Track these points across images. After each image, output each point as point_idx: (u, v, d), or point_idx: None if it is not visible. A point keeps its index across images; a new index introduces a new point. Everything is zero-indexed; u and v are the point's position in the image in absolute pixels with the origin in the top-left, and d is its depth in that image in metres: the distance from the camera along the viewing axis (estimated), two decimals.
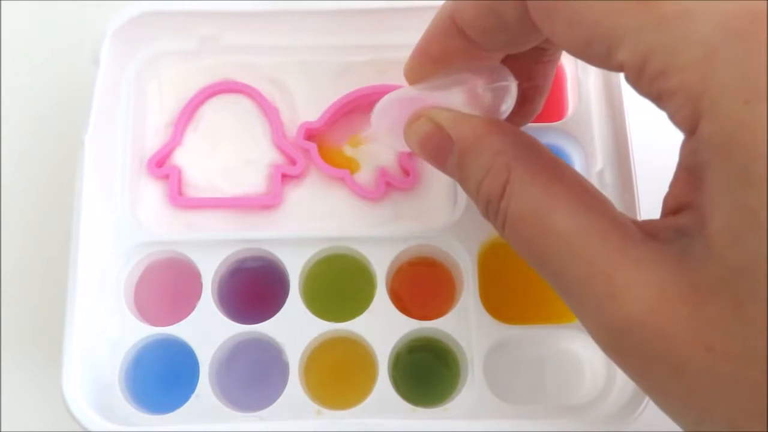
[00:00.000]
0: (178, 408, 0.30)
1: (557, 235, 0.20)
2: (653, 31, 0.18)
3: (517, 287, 0.32)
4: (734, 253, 0.17)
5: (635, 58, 0.18)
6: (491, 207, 0.22)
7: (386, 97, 0.27)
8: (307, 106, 0.34)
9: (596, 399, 0.30)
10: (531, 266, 0.22)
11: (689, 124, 0.18)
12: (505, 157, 0.22)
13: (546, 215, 0.20)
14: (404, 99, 0.26)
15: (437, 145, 0.24)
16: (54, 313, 0.30)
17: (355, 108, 0.34)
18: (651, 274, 0.18)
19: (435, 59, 0.26)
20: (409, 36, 0.34)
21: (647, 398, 0.29)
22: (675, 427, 0.34)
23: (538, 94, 0.28)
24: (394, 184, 0.32)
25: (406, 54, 0.34)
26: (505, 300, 0.32)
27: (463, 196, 0.32)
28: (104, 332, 0.30)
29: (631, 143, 0.31)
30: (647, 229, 0.20)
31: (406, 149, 0.26)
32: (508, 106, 0.25)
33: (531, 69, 0.27)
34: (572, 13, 0.19)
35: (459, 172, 0.24)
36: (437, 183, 0.33)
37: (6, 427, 0.34)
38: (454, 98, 0.25)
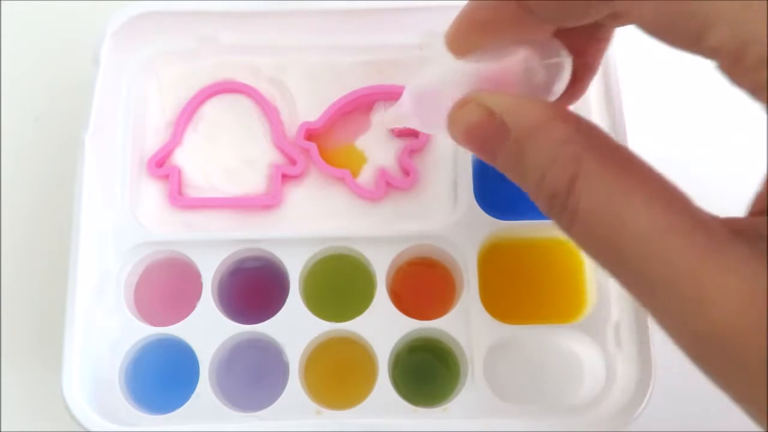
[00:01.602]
0: (178, 408, 0.30)
1: (637, 234, 0.18)
2: (757, 15, 0.16)
3: (517, 287, 0.32)
4: None
5: (733, 44, 0.16)
6: (557, 202, 0.20)
7: (425, 73, 0.24)
8: (307, 106, 0.34)
9: (596, 399, 0.30)
10: (602, 266, 0.20)
11: None
12: (573, 147, 0.19)
13: (623, 211, 0.18)
14: (447, 74, 0.23)
15: (488, 134, 0.21)
16: (54, 313, 0.30)
17: (355, 108, 0.34)
18: (741, 278, 0.17)
19: (482, 28, 0.23)
20: (409, 36, 0.34)
21: (647, 398, 0.29)
22: (675, 427, 0.34)
23: (587, 74, 0.25)
24: (394, 184, 0.32)
25: (405, 54, 0.34)
26: (505, 300, 0.32)
27: (463, 196, 0.32)
28: (104, 332, 0.30)
29: (630, 143, 0.31)
30: (733, 228, 0.18)
31: (443, 133, 0.24)
32: (561, 85, 0.22)
33: (582, 46, 0.24)
34: None
35: (515, 165, 0.21)
36: (437, 183, 0.33)
37: (6, 427, 0.34)
38: (503, 73, 0.22)
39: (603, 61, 0.32)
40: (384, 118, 0.27)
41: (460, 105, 0.22)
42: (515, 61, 0.22)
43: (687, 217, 0.18)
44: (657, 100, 0.36)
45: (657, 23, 0.18)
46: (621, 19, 0.20)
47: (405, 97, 0.25)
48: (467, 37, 0.24)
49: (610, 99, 0.32)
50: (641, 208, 0.18)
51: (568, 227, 0.20)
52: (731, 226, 0.19)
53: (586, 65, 0.25)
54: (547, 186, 0.20)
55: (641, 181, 0.19)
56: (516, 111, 0.21)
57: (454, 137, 0.23)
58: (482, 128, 0.22)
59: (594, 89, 0.33)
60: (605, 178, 0.19)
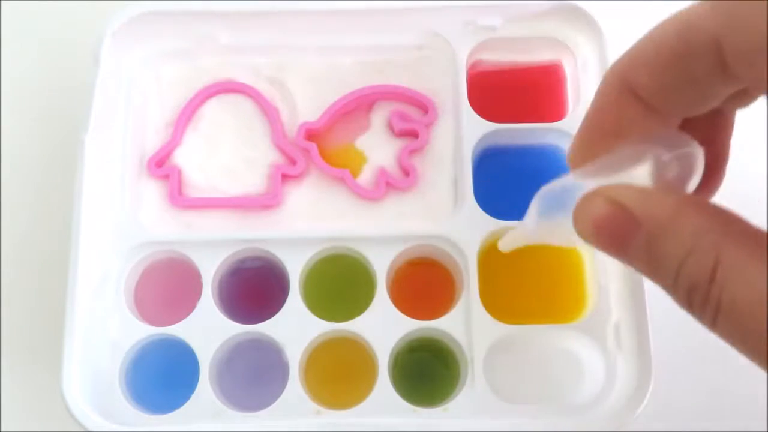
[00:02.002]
0: (178, 408, 0.30)
1: None
2: None
3: (517, 287, 0.32)
4: None
5: None
6: (698, 294, 0.19)
7: (548, 188, 0.23)
8: (307, 106, 0.34)
9: (596, 399, 0.30)
10: (752, 359, 0.18)
11: None
12: (711, 236, 0.18)
13: None
14: (571, 188, 0.22)
15: (618, 228, 0.20)
16: (54, 313, 0.30)
17: (355, 108, 0.34)
18: None
19: (608, 133, 0.22)
20: (410, 36, 0.34)
21: (647, 398, 0.29)
22: (674, 427, 0.34)
23: (719, 164, 0.24)
24: (394, 184, 0.32)
25: (406, 54, 0.34)
26: (505, 300, 0.32)
27: (463, 196, 0.32)
28: (104, 332, 0.30)
29: None
30: None
31: (573, 243, 0.23)
32: (696, 177, 0.21)
33: (709, 136, 0.23)
34: None
35: (648, 259, 0.20)
36: (437, 183, 0.33)
37: (6, 427, 0.34)
38: (633, 174, 0.21)
39: (604, 62, 0.33)
40: (510, 239, 0.26)
41: (586, 200, 0.21)
42: (642, 159, 0.21)
43: None
44: None
45: None
46: (747, 97, 0.19)
47: (530, 212, 0.24)
48: (592, 147, 0.23)
49: None
50: None
51: (710, 320, 0.19)
52: None
53: (716, 155, 0.24)
54: (684, 277, 0.19)
55: None
56: (646, 202, 0.20)
57: (581, 233, 0.22)
58: (610, 222, 0.20)
59: (594, 89, 0.33)
60: (753, 267, 0.18)
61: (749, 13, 0.18)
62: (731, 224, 0.19)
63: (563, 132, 0.33)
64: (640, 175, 0.21)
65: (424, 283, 0.33)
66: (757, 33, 0.17)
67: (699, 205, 0.19)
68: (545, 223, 0.23)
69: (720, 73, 0.19)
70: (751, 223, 0.19)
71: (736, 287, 0.18)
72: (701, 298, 0.19)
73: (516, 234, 0.25)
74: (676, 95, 0.21)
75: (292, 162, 0.33)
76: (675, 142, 0.21)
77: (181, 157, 0.33)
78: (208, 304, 0.31)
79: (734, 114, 0.24)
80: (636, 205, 0.20)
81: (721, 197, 0.22)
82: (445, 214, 0.32)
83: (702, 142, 0.22)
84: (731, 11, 0.18)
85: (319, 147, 0.33)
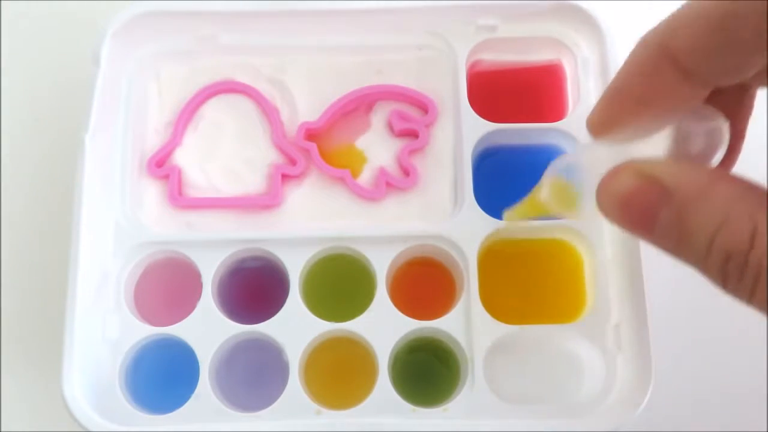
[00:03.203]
0: (178, 408, 0.30)
1: None
2: None
3: (517, 287, 0.32)
4: None
5: None
6: (734, 262, 0.18)
7: (559, 160, 0.23)
8: (307, 106, 0.34)
9: (596, 399, 0.30)
10: None
11: None
12: (747, 203, 0.18)
13: None
14: (590, 158, 0.22)
15: (647, 202, 0.20)
16: (54, 313, 0.30)
17: (355, 108, 0.34)
18: None
19: (634, 101, 0.22)
20: (409, 36, 0.34)
21: (647, 398, 0.29)
22: (674, 427, 0.34)
23: (738, 141, 0.24)
24: (394, 184, 0.32)
25: (405, 54, 0.34)
26: (505, 300, 0.32)
27: (463, 196, 0.32)
28: (104, 332, 0.30)
29: None
30: None
31: (583, 218, 0.23)
32: (721, 152, 0.21)
33: (730, 112, 0.23)
34: None
35: (678, 231, 0.19)
36: (437, 183, 0.33)
37: (6, 427, 0.34)
38: (659, 146, 0.21)
39: (604, 62, 0.33)
40: (519, 209, 0.26)
41: (613, 174, 0.20)
42: (669, 132, 0.21)
43: None
44: None
45: None
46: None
47: (544, 181, 0.24)
48: (618, 115, 0.22)
49: None
50: None
51: (750, 292, 0.18)
52: None
53: (735, 133, 0.23)
54: (719, 248, 0.18)
55: None
56: (678, 174, 0.19)
57: (605, 209, 0.21)
58: (639, 196, 0.20)
59: (594, 89, 0.33)
60: None
61: None
62: (764, 194, 0.18)
63: (563, 132, 0.33)
64: (661, 147, 0.21)
65: (424, 283, 0.33)
66: None
67: (730, 177, 0.19)
68: (557, 192, 0.23)
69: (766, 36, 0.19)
70: None
71: None
72: (738, 268, 0.18)
73: (525, 203, 0.25)
74: (719, 58, 0.20)
75: (292, 162, 0.33)
76: (704, 114, 0.21)
77: (181, 157, 0.33)
78: (208, 304, 0.31)
79: (756, 92, 0.24)
80: (667, 176, 0.19)
81: None
82: (445, 214, 0.32)
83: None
84: None
85: (319, 147, 0.33)
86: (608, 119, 0.23)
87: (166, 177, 0.33)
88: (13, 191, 0.38)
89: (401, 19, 0.34)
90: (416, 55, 0.34)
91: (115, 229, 0.32)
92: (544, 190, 0.23)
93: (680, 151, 0.21)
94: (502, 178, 0.33)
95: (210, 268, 0.31)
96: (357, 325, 0.31)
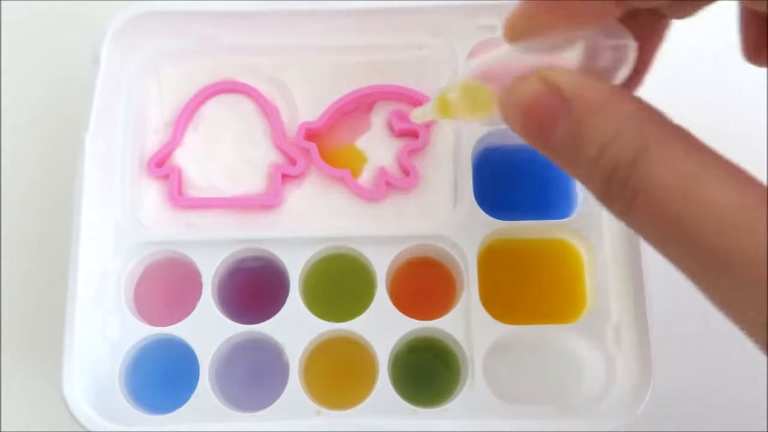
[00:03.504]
0: (178, 408, 0.30)
1: (715, 208, 0.17)
2: None
3: (517, 287, 0.32)
4: None
5: None
6: (618, 175, 0.19)
7: (473, 61, 0.23)
8: (307, 106, 0.34)
9: (596, 399, 0.30)
10: (667, 246, 0.19)
11: None
12: (637, 120, 0.19)
13: (697, 185, 0.17)
14: (505, 59, 0.22)
15: (547, 110, 0.20)
16: (54, 313, 0.30)
17: (355, 108, 0.34)
18: None
19: (550, 11, 0.22)
20: (409, 36, 0.34)
21: (647, 398, 0.29)
22: (674, 427, 0.34)
23: (643, 67, 0.24)
24: (394, 184, 0.32)
25: (406, 54, 0.34)
26: (505, 300, 0.32)
27: (463, 196, 0.32)
28: (104, 332, 0.31)
29: None
30: None
31: (491, 123, 0.23)
32: (626, 69, 0.22)
33: (641, 38, 0.23)
34: None
35: (572, 143, 0.20)
36: (437, 183, 0.33)
37: (6, 427, 0.34)
38: (565, 56, 0.21)
39: None
40: (427, 108, 0.25)
41: (520, 79, 0.21)
42: (580, 43, 0.21)
43: (763, 194, 0.17)
44: (659, 95, 0.36)
45: None
46: (691, 6, 0.19)
47: (456, 82, 0.24)
48: (532, 21, 0.23)
49: None
50: (718, 182, 0.17)
51: (628, 206, 0.19)
52: None
53: (642, 60, 0.24)
54: (607, 158, 0.19)
55: (713, 158, 0.18)
56: (579, 85, 0.20)
57: (507, 116, 0.21)
58: (541, 104, 0.20)
59: None
60: (675, 152, 0.18)
61: None
62: (659, 114, 0.19)
63: None
64: (571, 57, 0.21)
65: (424, 283, 0.33)
66: None
67: (629, 95, 0.19)
68: (469, 92, 0.23)
69: None
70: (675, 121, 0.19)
71: (659, 170, 0.18)
72: (620, 181, 0.19)
73: (436, 102, 0.25)
74: None
75: (292, 162, 0.33)
76: (615, 31, 0.22)
77: (181, 157, 0.33)
78: (208, 304, 0.31)
79: (669, 24, 0.24)
80: (569, 87, 0.20)
81: None
82: (445, 214, 0.32)
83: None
84: None
85: (319, 147, 0.33)
86: (523, 26, 0.23)
87: (166, 177, 0.33)
88: (13, 191, 0.38)
89: (401, 19, 0.34)
90: (416, 55, 0.34)
91: (115, 229, 0.32)
92: (456, 90, 0.23)
93: (588, 64, 0.21)
94: (502, 178, 0.33)
95: (210, 268, 0.31)
96: (357, 325, 0.31)
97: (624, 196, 0.19)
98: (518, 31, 0.23)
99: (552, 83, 0.20)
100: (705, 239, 0.17)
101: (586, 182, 0.20)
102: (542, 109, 0.20)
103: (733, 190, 0.17)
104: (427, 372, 0.32)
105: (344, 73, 0.34)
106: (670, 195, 0.18)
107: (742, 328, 0.18)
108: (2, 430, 0.34)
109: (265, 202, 0.32)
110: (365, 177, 0.33)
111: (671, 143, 0.18)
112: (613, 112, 0.19)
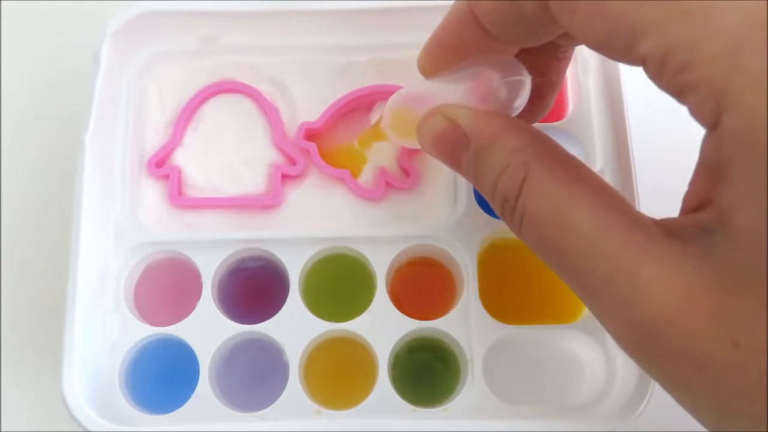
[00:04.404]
0: (178, 408, 0.30)
1: (578, 233, 0.20)
2: (677, 23, 0.17)
3: (517, 287, 0.32)
4: (761, 248, 0.17)
5: (658, 51, 0.18)
6: (508, 205, 0.22)
7: (399, 93, 0.27)
8: (307, 106, 0.34)
9: (596, 399, 0.30)
10: (549, 266, 0.21)
11: (712, 118, 0.17)
12: (523, 155, 0.21)
13: (566, 213, 0.20)
14: (417, 95, 0.26)
15: (452, 143, 0.24)
16: (54, 313, 0.30)
17: (355, 108, 0.34)
18: (675, 271, 0.18)
19: (450, 50, 0.25)
20: (409, 36, 0.34)
21: (647, 398, 0.29)
22: (674, 426, 0.34)
23: (550, 91, 0.27)
24: (394, 184, 0.32)
25: (405, 54, 0.34)
26: (505, 300, 0.32)
27: (463, 196, 0.32)
28: (104, 332, 0.31)
29: (631, 143, 0.31)
30: (667, 228, 0.20)
31: (418, 146, 0.26)
32: (521, 101, 0.24)
33: (544, 65, 0.26)
34: (594, 5, 0.19)
35: (474, 170, 0.23)
36: (437, 183, 0.33)
37: (6, 427, 0.34)
38: (468, 92, 0.24)
39: (604, 62, 0.33)
40: (365, 135, 0.30)
41: (428, 116, 0.24)
42: (480, 80, 0.24)
43: (625, 217, 0.20)
44: (658, 95, 0.36)
45: (595, 40, 0.20)
46: (573, 38, 0.21)
47: (384, 113, 0.27)
48: (437, 60, 0.26)
49: (611, 99, 0.32)
50: (583, 210, 0.20)
51: (517, 229, 0.22)
52: (666, 226, 0.20)
53: (548, 84, 0.27)
54: (499, 190, 0.22)
55: (586, 186, 0.21)
56: (476, 122, 0.23)
57: (423, 146, 0.25)
58: (446, 138, 0.24)
59: (594, 89, 0.33)
60: (551, 183, 0.21)
61: None
62: (542, 146, 0.22)
63: (563, 132, 0.33)
64: (474, 93, 0.24)
65: (424, 283, 0.33)
66: None
67: (519, 127, 0.22)
68: (397, 120, 0.27)
69: (545, 15, 0.21)
70: (563, 148, 0.22)
71: (536, 200, 0.21)
72: (510, 209, 0.22)
73: (371, 130, 0.29)
74: (510, 28, 0.23)
75: (292, 162, 0.33)
76: (508, 68, 0.24)
77: (181, 157, 0.33)
78: (208, 304, 0.31)
79: (571, 51, 0.27)
80: (467, 123, 0.23)
81: None
82: (445, 214, 0.32)
83: (537, 71, 0.25)
84: None
85: (319, 147, 0.33)
86: (431, 64, 0.26)
87: (166, 177, 0.33)
88: (13, 191, 0.38)
89: (401, 19, 0.34)
90: (416, 55, 0.34)
91: (115, 229, 0.32)
92: (386, 118, 0.27)
93: (488, 96, 0.24)
94: None
95: (210, 268, 0.31)
96: (357, 325, 0.31)
97: (514, 221, 0.22)
98: (427, 69, 0.26)
99: (451, 120, 0.24)
100: (571, 262, 0.20)
101: (490, 203, 0.23)
102: (447, 142, 0.24)
103: (597, 215, 0.20)
104: (427, 372, 0.32)
105: (344, 73, 0.34)
106: (544, 222, 0.21)
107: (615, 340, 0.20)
108: (2, 430, 0.34)
109: (265, 202, 0.32)
110: (365, 177, 0.33)
111: (549, 174, 0.21)
112: (503, 148, 0.22)
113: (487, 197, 0.23)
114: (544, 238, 0.21)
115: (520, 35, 0.23)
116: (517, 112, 0.25)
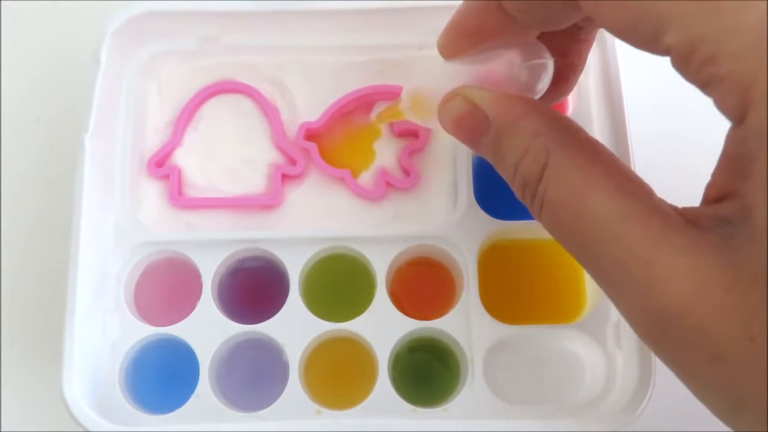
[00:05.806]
0: (178, 408, 0.30)
1: (596, 220, 0.20)
2: (705, 16, 0.17)
3: (517, 287, 0.32)
4: None
5: (684, 43, 0.18)
6: (528, 190, 0.22)
7: (418, 73, 0.27)
8: (307, 106, 0.34)
9: (596, 399, 0.30)
10: (567, 251, 0.21)
11: (737, 112, 0.17)
12: (544, 139, 0.21)
13: (585, 199, 0.20)
14: (440, 74, 0.26)
15: (472, 125, 0.24)
16: (54, 313, 0.30)
17: (355, 108, 0.34)
18: (692, 262, 0.18)
19: (470, 34, 0.25)
20: (409, 36, 0.34)
21: (647, 398, 0.29)
22: (674, 426, 0.34)
23: (572, 73, 0.27)
24: (394, 184, 0.32)
25: (405, 54, 0.34)
26: (505, 300, 0.32)
27: (463, 196, 0.32)
28: (104, 332, 0.31)
29: (631, 143, 0.31)
30: (688, 217, 0.19)
31: (437, 126, 0.26)
32: (544, 84, 0.24)
33: (566, 47, 0.26)
34: None
35: (494, 153, 0.23)
36: (437, 183, 0.33)
37: (6, 427, 0.34)
38: (489, 74, 0.24)
39: (604, 62, 0.33)
40: (383, 113, 0.29)
41: (449, 98, 0.24)
42: (501, 62, 0.24)
43: (645, 205, 0.20)
44: (658, 95, 0.36)
45: (620, 27, 0.19)
46: (595, 23, 0.21)
47: (403, 94, 0.27)
48: (458, 42, 0.26)
49: (611, 99, 0.32)
50: (602, 196, 0.20)
51: (537, 214, 0.22)
52: (687, 215, 0.20)
53: (570, 66, 0.27)
54: (520, 174, 0.22)
55: (605, 172, 0.20)
56: (497, 105, 0.23)
57: (444, 127, 0.25)
58: (467, 120, 0.24)
59: (594, 89, 0.33)
60: (571, 169, 0.21)
61: None
62: (564, 130, 0.22)
63: None
64: (496, 75, 0.24)
65: (424, 283, 0.33)
66: None
67: (540, 111, 0.22)
68: (416, 101, 0.26)
69: (572, 2, 0.21)
70: (584, 131, 0.22)
71: (557, 186, 0.21)
72: (531, 194, 0.22)
73: (391, 109, 0.28)
74: (533, 12, 0.23)
75: (292, 162, 0.33)
76: (531, 50, 0.24)
77: (181, 157, 0.33)
78: (208, 304, 0.31)
79: (594, 33, 0.26)
80: (487, 105, 0.23)
81: None
82: (445, 214, 0.32)
83: (559, 53, 0.25)
84: None
85: (319, 147, 0.33)
86: (451, 46, 0.26)
87: (166, 177, 0.33)
88: (13, 191, 0.38)
89: (401, 19, 0.34)
90: (416, 55, 0.34)
91: (115, 229, 0.32)
92: (405, 99, 0.27)
93: (510, 80, 0.24)
94: (502, 178, 0.33)
95: (210, 268, 0.31)
96: (357, 325, 0.31)
97: (535, 206, 0.22)
98: (447, 51, 0.26)
99: (473, 102, 0.23)
100: (589, 249, 0.20)
101: (510, 185, 0.23)
102: (468, 124, 0.24)
103: (616, 202, 0.20)
104: (427, 372, 0.32)
105: (344, 73, 0.34)
106: (564, 208, 0.21)
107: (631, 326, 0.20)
108: (2, 430, 0.34)
109: (265, 202, 0.32)
110: (365, 177, 0.33)
111: (570, 159, 0.21)
112: (524, 132, 0.22)
113: (507, 180, 0.23)
114: (564, 224, 0.21)
115: (544, 20, 0.23)
116: (540, 95, 0.24)
